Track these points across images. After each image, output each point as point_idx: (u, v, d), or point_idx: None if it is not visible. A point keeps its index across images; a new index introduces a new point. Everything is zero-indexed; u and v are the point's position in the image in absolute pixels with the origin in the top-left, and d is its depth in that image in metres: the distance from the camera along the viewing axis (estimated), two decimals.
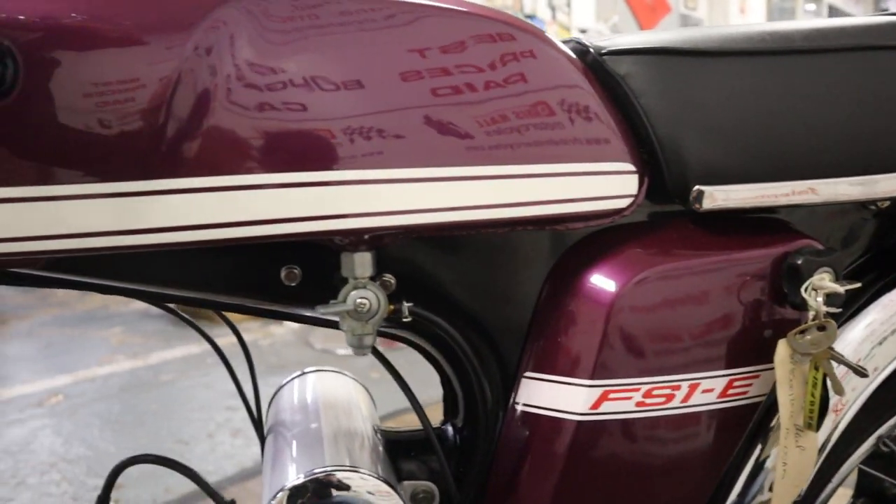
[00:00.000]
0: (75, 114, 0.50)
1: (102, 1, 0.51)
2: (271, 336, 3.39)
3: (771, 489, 0.70)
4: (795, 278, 0.64)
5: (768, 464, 0.70)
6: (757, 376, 0.66)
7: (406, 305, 0.63)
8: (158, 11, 0.51)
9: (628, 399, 0.64)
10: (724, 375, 0.65)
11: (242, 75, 0.53)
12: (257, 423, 0.86)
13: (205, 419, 2.44)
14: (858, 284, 0.65)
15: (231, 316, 0.81)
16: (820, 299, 0.62)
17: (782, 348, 0.63)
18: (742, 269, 0.65)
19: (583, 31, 5.88)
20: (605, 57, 0.65)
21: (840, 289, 0.62)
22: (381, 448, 0.73)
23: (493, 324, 0.72)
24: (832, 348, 0.63)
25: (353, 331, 0.63)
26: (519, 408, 0.68)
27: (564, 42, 0.66)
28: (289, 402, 0.82)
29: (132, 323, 3.69)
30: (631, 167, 0.63)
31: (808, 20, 0.98)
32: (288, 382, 0.88)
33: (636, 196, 0.64)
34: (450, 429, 0.80)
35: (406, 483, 0.75)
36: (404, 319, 0.64)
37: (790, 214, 0.73)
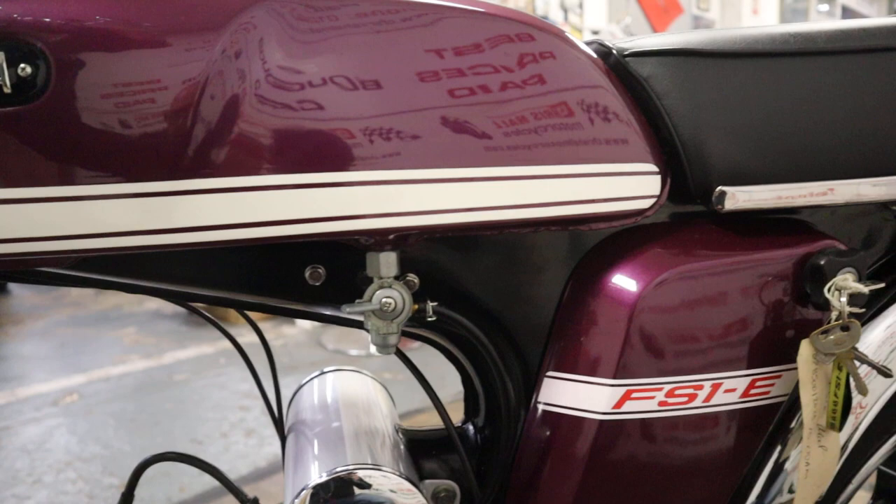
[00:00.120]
0: (105, 115, 0.50)
1: (132, 4, 0.51)
2: (283, 337, 3.40)
3: (791, 490, 0.70)
4: (818, 278, 0.64)
5: (788, 465, 0.70)
6: (779, 376, 0.66)
7: (431, 305, 0.64)
8: (186, 14, 0.52)
9: (651, 399, 0.64)
10: (746, 375, 0.65)
11: (269, 77, 0.53)
12: (277, 422, 0.87)
13: (218, 419, 2.46)
14: (882, 284, 0.65)
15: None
16: (844, 299, 0.62)
17: (805, 348, 0.63)
18: (764, 269, 0.65)
19: (595, 33, 5.86)
20: (627, 58, 0.65)
21: (864, 289, 0.63)
22: (402, 447, 0.74)
23: (515, 323, 0.72)
24: (856, 348, 0.63)
25: (378, 330, 0.63)
26: (541, 407, 0.69)
27: (587, 43, 0.66)
28: (309, 401, 0.82)
29: (145, 323, 3.71)
30: (653, 168, 0.63)
31: (830, 21, 0.98)
32: (307, 382, 0.88)
33: (659, 196, 0.65)
34: (471, 428, 0.80)
35: (427, 482, 0.75)
36: (428, 319, 0.64)
37: (812, 215, 0.73)
